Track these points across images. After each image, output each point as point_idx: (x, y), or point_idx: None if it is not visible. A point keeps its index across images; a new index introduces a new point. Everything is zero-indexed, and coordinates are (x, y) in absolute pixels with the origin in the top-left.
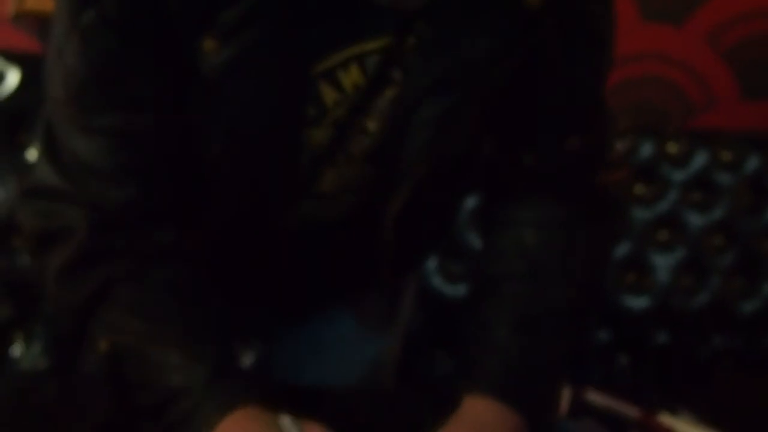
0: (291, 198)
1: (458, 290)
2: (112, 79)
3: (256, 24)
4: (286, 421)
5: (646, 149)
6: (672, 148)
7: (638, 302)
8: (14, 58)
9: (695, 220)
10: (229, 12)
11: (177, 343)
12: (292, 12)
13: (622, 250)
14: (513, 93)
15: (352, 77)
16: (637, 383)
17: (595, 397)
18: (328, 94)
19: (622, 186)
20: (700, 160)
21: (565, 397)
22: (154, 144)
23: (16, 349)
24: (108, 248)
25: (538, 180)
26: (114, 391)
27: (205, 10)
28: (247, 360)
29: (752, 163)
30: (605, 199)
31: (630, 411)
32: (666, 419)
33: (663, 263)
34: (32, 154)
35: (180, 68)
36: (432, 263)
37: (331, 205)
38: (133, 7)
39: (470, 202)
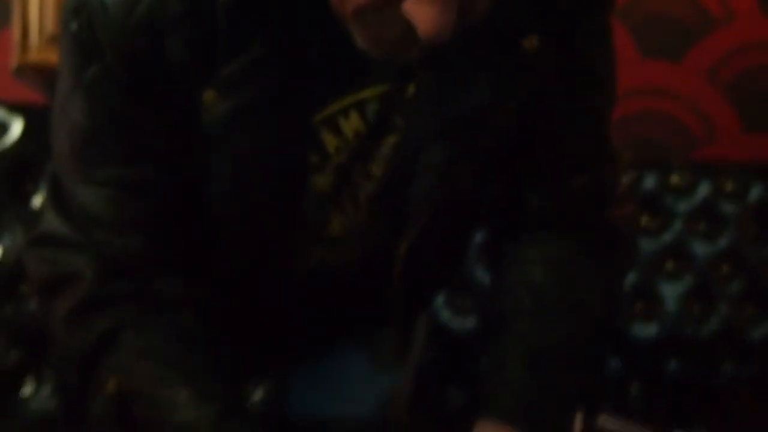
0: (299, 244)
1: (466, 323)
2: (115, 133)
3: (256, 78)
4: None
5: (650, 181)
6: (675, 179)
7: (648, 330)
8: (17, 109)
9: (701, 249)
10: (230, 66)
11: (185, 384)
12: (292, 66)
13: (630, 279)
14: (516, 136)
15: (352, 124)
16: (650, 410)
17: (607, 422)
18: (330, 141)
19: (630, 220)
20: (703, 190)
21: (578, 423)
22: (158, 195)
23: (27, 391)
24: (114, 295)
25: (544, 218)
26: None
27: (206, 64)
28: (257, 396)
29: (756, 192)
30: (613, 234)
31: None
32: None
33: (671, 292)
34: (37, 203)
35: (182, 120)
36: (440, 297)
37: (340, 249)
38: (136, 61)
39: (478, 237)
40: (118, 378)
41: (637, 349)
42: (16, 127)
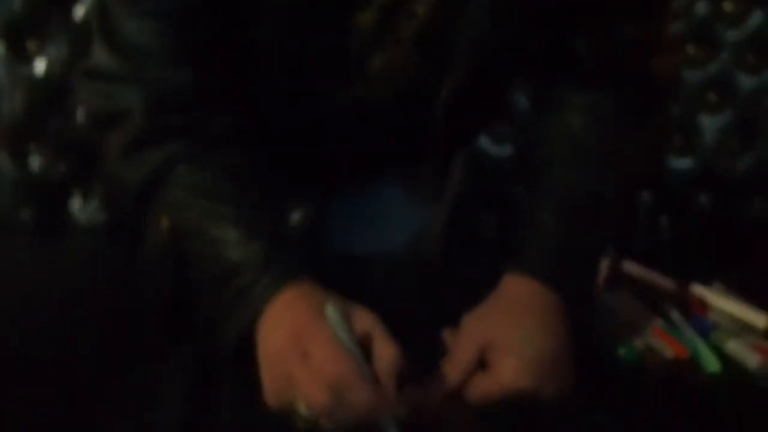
0: (340, 79)
1: (504, 150)
2: None
3: None
4: (331, 311)
5: (701, 7)
6: (728, 6)
7: (683, 164)
8: None
9: (747, 82)
10: None
11: (235, 221)
12: None
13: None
14: None
15: None
16: (675, 253)
17: (632, 269)
18: None
19: (676, 68)
20: (756, 20)
21: (603, 268)
22: (205, 27)
23: (74, 204)
24: (165, 130)
25: (590, 66)
26: (175, 264)
27: None
28: (296, 217)
29: None
30: (658, 87)
31: (665, 282)
32: (699, 290)
33: (711, 125)
34: (79, 13)
35: None
36: None
37: (380, 86)
38: None
39: None
40: (170, 214)
41: (670, 182)
42: None
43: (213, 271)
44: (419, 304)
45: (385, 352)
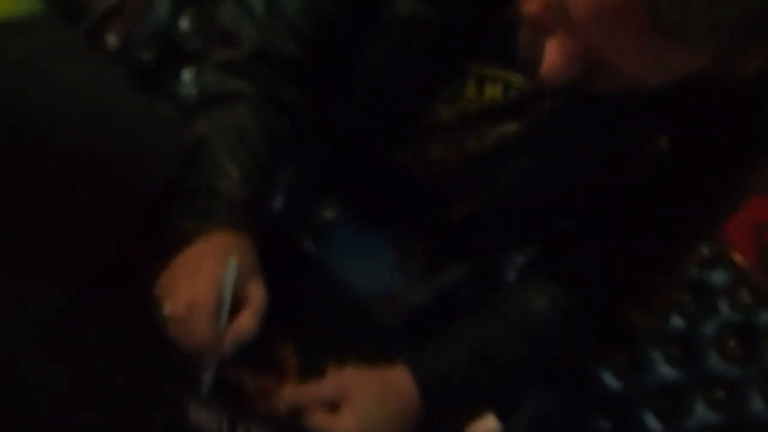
0: (399, 143)
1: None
2: None
3: (452, 3)
4: (231, 263)
5: None
6: None
7: None
8: None
9: None
10: None
11: (243, 166)
12: (483, 12)
13: None
14: (607, 196)
15: (493, 92)
16: None
17: None
18: (470, 89)
19: (644, 324)
20: None
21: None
22: (332, 29)
23: (186, 76)
24: (252, 72)
25: (580, 276)
26: (183, 156)
27: None
28: (278, 203)
29: None
30: (623, 329)
31: None
32: None
33: None
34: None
35: None
36: None
37: (425, 168)
38: None
39: None
40: (209, 128)
41: None
42: None
43: (201, 180)
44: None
45: (255, 292)
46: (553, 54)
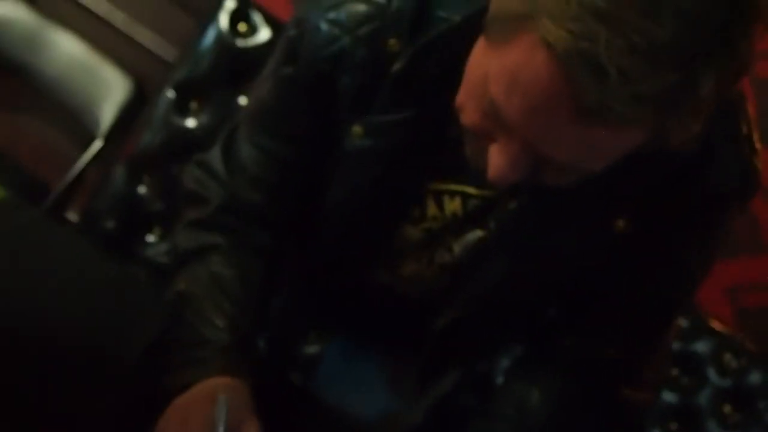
0: (373, 262)
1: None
2: (282, 117)
3: (399, 132)
4: (221, 401)
5: None
6: None
7: None
8: (270, 20)
9: None
10: (383, 116)
11: (226, 315)
12: (431, 135)
13: None
14: (579, 287)
15: (453, 206)
16: None
17: None
18: (431, 208)
19: (646, 403)
20: None
21: None
22: (291, 174)
23: (150, 238)
24: (222, 225)
25: (567, 361)
26: (169, 317)
27: (364, 106)
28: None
29: None
30: (622, 410)
31: None
32: None
33: None
34: (243, 101)
35: (330, 133)
36: None
37: (404, 285)
38: (317, 79)
39: None
40: (188, 283)
41: None
42: (264, 34)
43: (188, 333)
44: None
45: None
46: (496, 157)
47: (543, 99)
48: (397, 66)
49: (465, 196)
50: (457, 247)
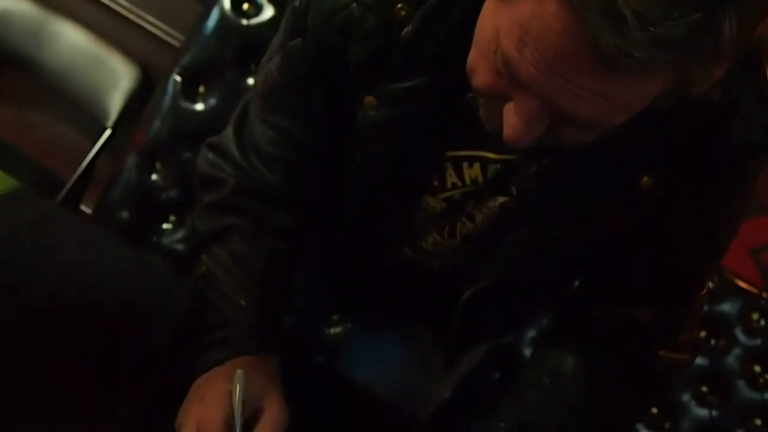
0: (396, 237)
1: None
2: (293, 93)
3: (413, 100)
4: (238, 376)
5: None
6: None
7: None
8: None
9: None
10: (396, 84)
11: (250, 294)
12: (445, 101)
13: None
14: (607, 247)
15: (473, 172)
16: None
17: None
18: (451, 176)
19: (685, 364)
20: None
21: None
22: (306, 151)
23: (166, 227)
24: (241, 206)
25: (599, 330)
26: (192, 301)
27: (376, 75)
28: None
29: None
30: (659, 373)
31: None
32: None
33: None
34: (251, 81)
35: (343, 107)
36: None
37: (426, 258)
38: (326, 49)
39: None
40: (210, 264)
41: None
42: (268, 12)
43: (212, 315)
44: None
45: (272, 405)
46: (511, 117)
47: (557, 50)
48: (406, 31)
49: (484, 162)
50: (479, 216)
